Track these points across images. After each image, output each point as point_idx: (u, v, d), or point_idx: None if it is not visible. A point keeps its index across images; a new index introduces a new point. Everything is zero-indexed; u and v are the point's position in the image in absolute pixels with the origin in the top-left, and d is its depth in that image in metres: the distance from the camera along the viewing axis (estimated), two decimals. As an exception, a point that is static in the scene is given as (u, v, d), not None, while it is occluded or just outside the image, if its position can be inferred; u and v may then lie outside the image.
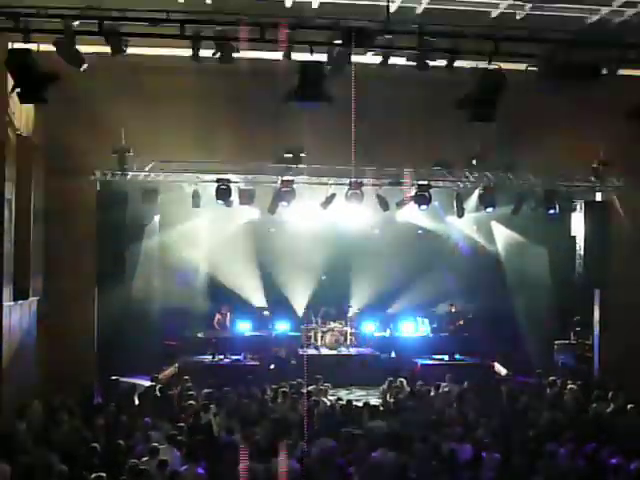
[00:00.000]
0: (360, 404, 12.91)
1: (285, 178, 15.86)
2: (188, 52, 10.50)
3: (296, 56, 10.34)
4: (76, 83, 11.97)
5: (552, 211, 16.73)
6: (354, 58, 10.33)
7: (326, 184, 16.32)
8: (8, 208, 12.88)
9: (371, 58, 11.29)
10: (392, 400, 13.48)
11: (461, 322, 19.78)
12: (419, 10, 13.02)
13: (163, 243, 18.65)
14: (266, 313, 20.34)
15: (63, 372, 14.19)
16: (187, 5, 11.10)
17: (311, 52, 10.19)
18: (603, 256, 16.73)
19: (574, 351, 18.49)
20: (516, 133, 15.42)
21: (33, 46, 9.58)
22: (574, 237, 17.55)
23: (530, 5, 12.73)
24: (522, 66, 10.51)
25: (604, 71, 10.60)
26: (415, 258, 20.16)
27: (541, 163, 15.90)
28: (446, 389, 14.40)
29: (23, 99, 10.14)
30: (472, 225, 19.58)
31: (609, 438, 10.56)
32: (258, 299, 20.50)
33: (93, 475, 8.48)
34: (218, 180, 15.93)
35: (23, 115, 13.48)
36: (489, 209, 16.80)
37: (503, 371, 18.20)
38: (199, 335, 19.31)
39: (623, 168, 16.26)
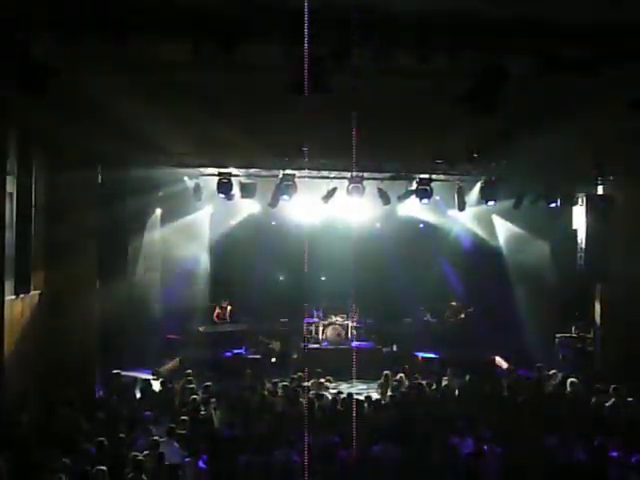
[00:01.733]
0: (362, 398, 12.92)
1: (286, 172, 15.84)
2: (189, 45, 10.46)
3: (297, 49, 10.30)
4: (77, 77, 11.93)
5: (553, 204, 16.70)
6: (354, 51, 10.28)
7: (327, 178, 16.30)
8: (10, 202, 12.87)
9: (372, 51, 11.23)
10: (390, 394, 13.47)
11: (462, 316, 19.79)
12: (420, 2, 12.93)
13: (165, 237, 18.65)
14: (267, 307, 20.36)
15: (64, 366, 14.17)
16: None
17: (312, 45, 10.15)
18: (604, 250, 16.71)
19: (575, 345, 18.50)
20: (517, 126, 15.35)
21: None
22: (575, 230, 17.52)
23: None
24: (524, 60, 10.46)
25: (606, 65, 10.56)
26: (416, 252, 20.16)
27: (542, 156, 15.84)
28: (447, 383, 14.41)
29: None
30: (473, 219, 19.56)
31: (610, 431, 10.58)
32: (259, 292, 20.52)
33: (95, 468, 8.51)
34: (219, 174, 15.92)
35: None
36: (490, 202, 16.78)
37: (504, 364, 18.21)
38: (200, 329, 19.31)
39: (624, 162, 16.21)
